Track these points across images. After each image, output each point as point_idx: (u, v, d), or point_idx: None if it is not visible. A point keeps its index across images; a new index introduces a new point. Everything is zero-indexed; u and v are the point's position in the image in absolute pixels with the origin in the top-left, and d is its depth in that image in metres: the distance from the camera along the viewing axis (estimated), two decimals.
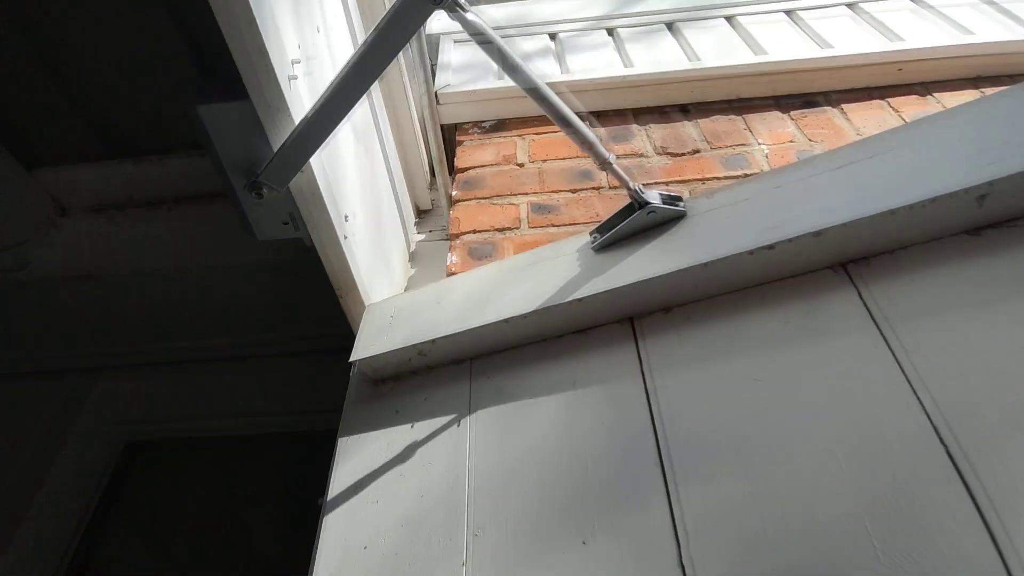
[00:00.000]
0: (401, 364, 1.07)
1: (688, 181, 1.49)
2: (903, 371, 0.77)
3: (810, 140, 1.56)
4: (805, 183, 0.92)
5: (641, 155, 1.58)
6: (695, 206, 0.99)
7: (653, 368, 0.92)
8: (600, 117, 1.72)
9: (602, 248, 1.01)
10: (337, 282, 1.07)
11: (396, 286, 1.38)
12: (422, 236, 1.67)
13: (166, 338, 2.21)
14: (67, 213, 1.74)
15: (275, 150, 0.82)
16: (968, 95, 1.61)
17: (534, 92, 0.81)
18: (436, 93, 1.67)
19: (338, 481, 0.98)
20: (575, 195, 1.49)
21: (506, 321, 0.99)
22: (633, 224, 0.97)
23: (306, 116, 0.78)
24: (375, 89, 1.34)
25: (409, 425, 1.02)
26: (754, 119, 1.65)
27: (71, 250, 1.71)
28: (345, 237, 1.02)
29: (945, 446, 0.71)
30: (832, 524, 0.71)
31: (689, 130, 1.64)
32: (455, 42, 1.94)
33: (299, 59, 0.82)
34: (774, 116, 1.65)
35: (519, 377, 1.00)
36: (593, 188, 1.50)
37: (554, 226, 1.42)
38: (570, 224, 1.41)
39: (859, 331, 0.83)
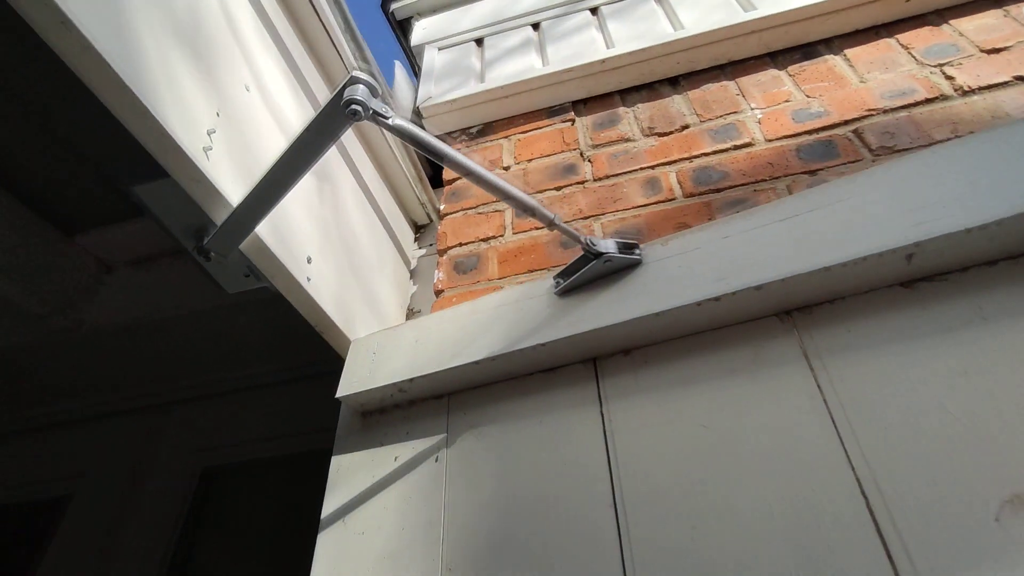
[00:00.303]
0: (384, 399, 1.11)
1: (675, 161, 1.43)
2: (835, 426, 0.79)
3: (807, 96, 1.45)
4: (750, 235, 0.94)
5: (628, 139, 1.53)
6: (650, 253, 1.01)
7: (612, 410, 0.94)
8: (586, 105, 1.67)
9: (564, 293, 1.02)
10: (312, 321, 1.12)
11: (390, 309, 1.42)
12: (423, 251, 1.71)
13: (222, 368, 2.39)
14: (111, 270, 1.93)
15: (211, 218, 0.86)
16: (991, 17, 1.43)
17: (469, 174, 0.81)
18: (418, 108, 1.68)
19: (329, 508, 1.04)
20: (560, 192, 1.47)
21: (476, 363, 1.01)
22: (591, 272, 1.00)
23: (238, 205, 0.83)
24: None
25: (393, 457, 1.06)
26: (747, 82, 1.55)
27: (119, 302, 1.89)
28: (309, 279, 1.07)
29: (872, 512, 0.73)
30: None
31: (678, 105, 1.57)
32: (439, 50, 1.94)
33: (214, 128, 0.86)
34: (770, 75, 1.55)
35: (492, 413, 1.02)
36: (578, 182, 1.47)
37: (537, 228, 1.40)
38: None
39: (798, 380, 0.85)
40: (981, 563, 0.66)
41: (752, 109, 1.48)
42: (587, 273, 0.99)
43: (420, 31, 2.01)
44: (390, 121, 0.74)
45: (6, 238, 1.64)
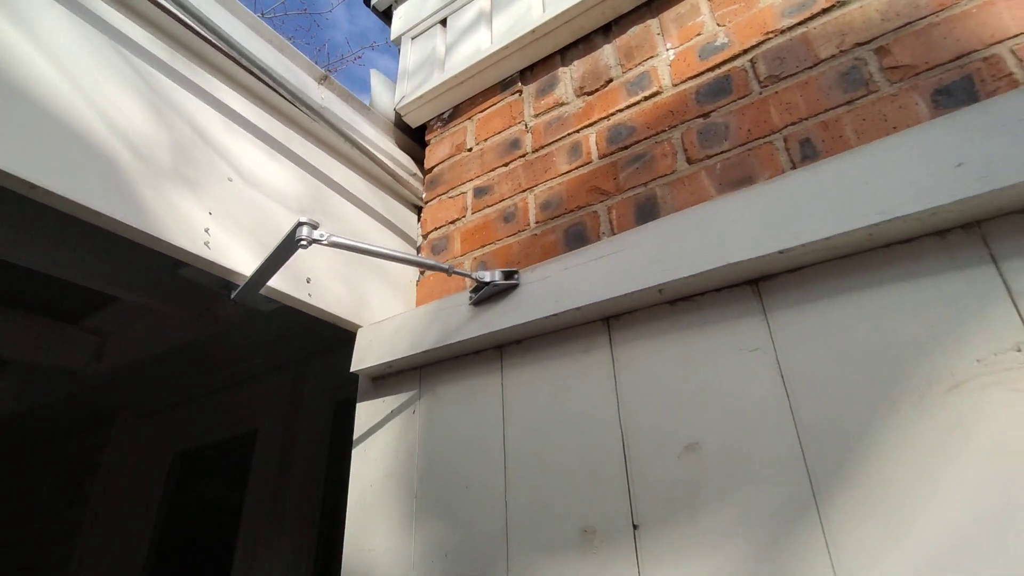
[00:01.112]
0: (380, 371, 1.56)
1: (596, 122, 1.60)
2: (618, 401, 1.16)
3: (718, 25, 1.50)
4: (580, 268, 1.27)
5: (562, 104, 1.71)
6: (525, 278, 1.35)
7: (507, 380, 1.35)
8: (532, 71, 1.84)
9: (476, 304, 1.38)
10: (322, 319, 1.59)
11: (396, 296, 1.83)
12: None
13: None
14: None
15: (229, 280, 1.34)
16: None
17: (393, 259, 1.20)
18: (396, 110, 1.99)
19: (356, 438, 1.55)
20: (507, 168, 1.73)
21: (426, 351, 1.42)
22: (487, 293, 1.36)
23: (243, 285, 1.28)
24: (314, 156, 1.75)
25: (389, 410, 1.53)
26: (668, 17, 1.61)
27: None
28: (309, 295, 1.52)
29: None
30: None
31: (607, 56, 1.69)
32: (412, 39, 2.18)
33: (208, 225, 1.31)
34: (689, 4, 1.59)
35: (443, 380, 1.46)
36: (520, 156, 1.71)
37: (488, 206, 1.70)
38: (500, 202, 1.68)
39: (600, 361, 1.22)
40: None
41: (667, 50, 1.56)
42: (485, 293, 1.36)
43: (397, 22, 2.25)
44: (324, 241, 1.12)
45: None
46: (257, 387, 3.25)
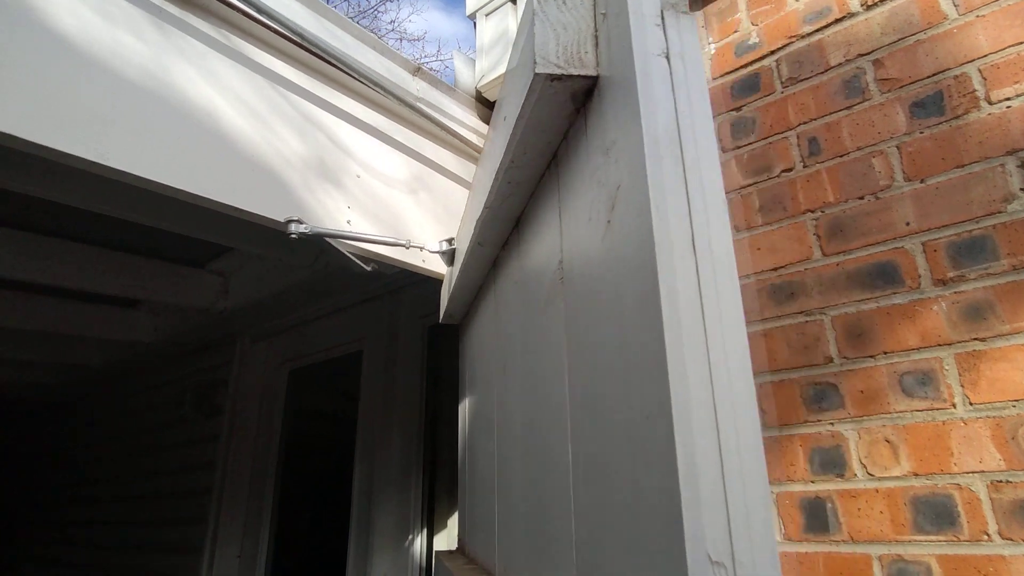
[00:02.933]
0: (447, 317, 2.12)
1: None
2: None
3: (752, 24, 1.83)
4: None
5: None
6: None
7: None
8: None
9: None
10: (432, 277, 2.14)
11: None
12: None
13: None
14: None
15: (352, 259, 1.90)
16: None
17: (351, 238, 1.69)
18: (477, 89, 2.41)
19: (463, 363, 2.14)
20: None
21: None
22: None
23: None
24: (413, 141, 2.23)
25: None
26: (711, 11, 1.94)
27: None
28: (423, 261, 2.06)
29: None
30: None
31: None
32: (486, 16, 2.54)
33: (350, 217, 1.83)
34: (728, 0, 1.91)
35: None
36: None
37: None
38: None
39: None
40: None
41: (710, 44, 1.91)
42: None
43: (471, 1, 2.61)
44: (309, 233, 1.64)
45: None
46: (359, 313, 3.92)
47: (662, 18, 0.78)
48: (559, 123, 1.05)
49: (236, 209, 1.61)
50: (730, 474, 0.55)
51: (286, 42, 1.86)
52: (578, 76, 0.90)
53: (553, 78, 0.89)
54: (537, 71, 0.88)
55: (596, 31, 0.91)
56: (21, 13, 1.31)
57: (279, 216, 1.68)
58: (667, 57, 0.75)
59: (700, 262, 0.63)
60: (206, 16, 1.70)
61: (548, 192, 1.19)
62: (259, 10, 1.72)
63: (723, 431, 0.57)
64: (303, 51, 1.89)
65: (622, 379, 0.72)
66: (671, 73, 0.74)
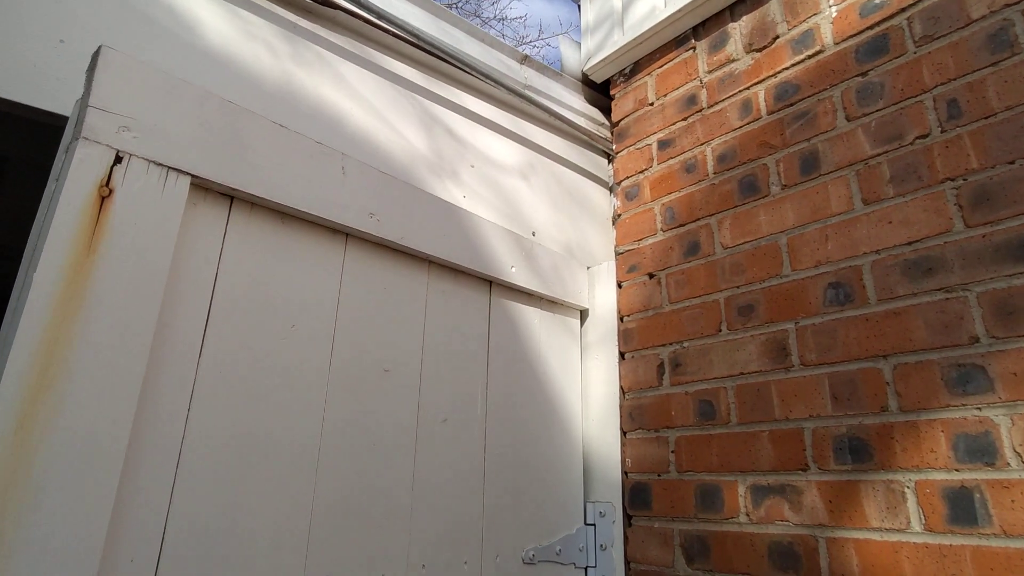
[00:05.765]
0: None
1: (764, 80, 1.98)
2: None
3: None
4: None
5: (732, 60, 2.09)
6: None
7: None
8: (704, 26, 2.21)
9: None
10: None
11: (601, 221, 2.44)
12: None
13: None
14: None
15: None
16: None
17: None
18: (584, 72, 2.48)
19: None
20: (686, 123, 2.18)
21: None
22: None
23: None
24: (523, 129, 2.34)
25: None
26: None
27: None
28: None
29: None
30: None
31: (773, 12, 2.01)
32: (590, 1, 2.59)
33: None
34: None
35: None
36: (697, 111, 2.15)
37: (671, 158, 2.18)
38: (681, 154, 2.15)
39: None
40: None
41: (830, 7, 1.86)
42: None
43: None
44: None
45: None
46: None
47: None
48: None
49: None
50: None
51: (404, 44, 2.03)
52: None
53: None
54: None
55: None
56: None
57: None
58: None
59: None
60: (333, 27, 1.90)
61: None
62: (380, 16, 1.91)
63: None
64: (420, 51, 2.06)
65: None
66: None
